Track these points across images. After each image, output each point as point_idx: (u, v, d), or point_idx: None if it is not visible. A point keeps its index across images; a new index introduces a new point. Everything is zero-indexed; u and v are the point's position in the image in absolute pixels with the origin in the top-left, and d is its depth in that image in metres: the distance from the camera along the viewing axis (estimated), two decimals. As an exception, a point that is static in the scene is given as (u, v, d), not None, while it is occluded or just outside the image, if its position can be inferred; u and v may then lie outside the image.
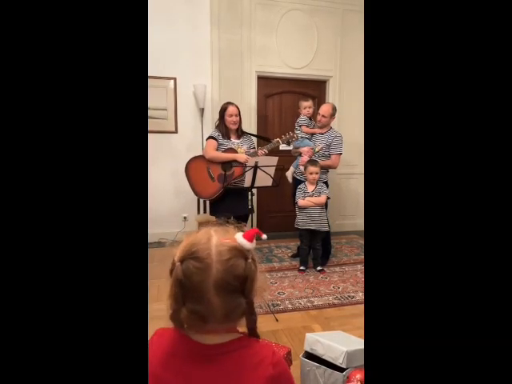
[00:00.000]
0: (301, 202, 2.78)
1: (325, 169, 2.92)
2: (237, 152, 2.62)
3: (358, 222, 4.27)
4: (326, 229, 2.83)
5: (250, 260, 0.58)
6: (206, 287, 0.55)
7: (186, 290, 0.56)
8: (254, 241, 0.60)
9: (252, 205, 2.58)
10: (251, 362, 0.58)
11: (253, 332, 0.61)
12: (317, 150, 2.88)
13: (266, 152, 2.62)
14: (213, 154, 2.61)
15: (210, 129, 3.54)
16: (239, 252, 0.58)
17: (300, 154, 2.94)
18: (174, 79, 3.44)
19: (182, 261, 0.56)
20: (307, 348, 1.42)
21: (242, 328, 0.62)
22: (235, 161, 2.57)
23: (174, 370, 0.57)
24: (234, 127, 2.66)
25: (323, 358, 1.35)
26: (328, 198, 2.82)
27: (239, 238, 0.59)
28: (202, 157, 2.65)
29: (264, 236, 0.64)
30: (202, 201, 3.40)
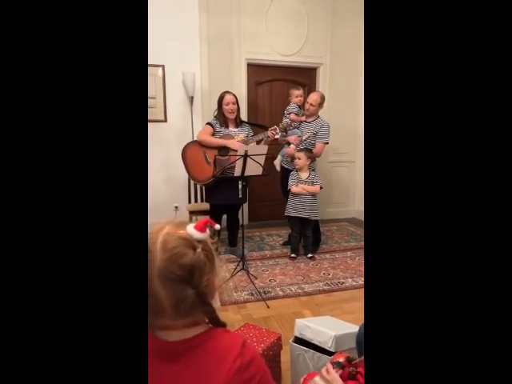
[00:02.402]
0: (294, 188, 2.79)
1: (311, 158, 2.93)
2: (234, 139, 2.61)
3: (348, 209, 4.31)
4: (317, 217, 2.86)
5: (198, 250, 0.57)
6: (150, 277, 0.54)
7: None
8: (207, 231, 0.59)
9: (244, 194, 2.59)
10: (218, 355, 0.57)
11: (215, 322, 0.60)
12: (304, 138, 2.88)
13: (278, 133, 2.61)
14: (205, 137, 2.63)
15: (199, 117, 3.51)
16: (187, 242, 0.57)
17: (287, 143, 2.94)
18: (163, 67, 3.38)
19: None
20: (297, 333, 1.45)
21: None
22: (226, 147, 2.57)
23: None
24: (231, 116, 2.66)
25: (312, 342, 1.39)
26: (321, 187, 2.84)
27: (189, 228, 0.58)
28: (198, 142, 2.66)
29: (217, 226, 0.62)
30: (192, 189, 3.39)
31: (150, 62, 3.26)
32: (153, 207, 3.46)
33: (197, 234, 0.58)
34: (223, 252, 2.94)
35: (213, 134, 2.69)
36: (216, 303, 0.62)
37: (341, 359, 0.89)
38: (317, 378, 0.82)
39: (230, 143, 2.56)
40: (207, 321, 0.60)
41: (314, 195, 2.80)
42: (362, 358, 0.87)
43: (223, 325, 0.61)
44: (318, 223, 3.08)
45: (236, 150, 2.41)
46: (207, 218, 0.61)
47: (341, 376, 0.86)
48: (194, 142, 2.70)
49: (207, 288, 0.57)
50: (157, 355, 0.57)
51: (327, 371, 0.83)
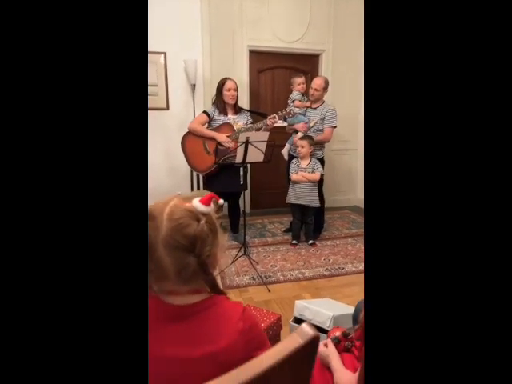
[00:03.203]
0: (294, 176, 2.81)
1: (319, 143, 2.92)
2: (233, 127, 2.62)
3: (350, 197, 4.33)
4: (317, 205, 2.88)
5: (202, 222, 0.60)
6: (155, 243, 0.58)
7: None
8: (212, 205, 0.63)
9: (244, 181, 2.61)
10: (222, 318, 0.61)
11: (215, 290, 0.64)
12: (311, 124, 2.88)
13: (277, 121, 2.61)
14: (195, 126, 2.63)
15: (201, 105, 3.51)
16: (192, 214, 0.60)
17: (295, 131, 2.94)
18: (164, 54, 3.37)
19: None
20: (296, 314, 1.49)
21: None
22: (214, 139, 2.56)
23: (150, 331, 0.60)
24: (232, 102, 2.65)
25: (311, 322, 1.43)
26: (322, 175, 2.85)
27: (195, 201, 0.62)
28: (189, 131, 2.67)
29: (221, 201, 0.66)
30: (195, 178, 3.41)
31: (151, 49, 3.25)
32: (155, 195, 3.49)
33: (201, 207, 0.61)
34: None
35: (209, 123, 2.68)
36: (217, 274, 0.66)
37: (337, 333, 0.93)
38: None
39: (218, 136, 2.55)
40: (209, 290, 0.64)
41: (314, 183, 2.82)
42: (357, 327, 0.90)
43: (224, 293, 0.65)
44: (322, 210, 3.09)
45: (221, 145, 2.41)
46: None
47: (337, 349, 0.91)
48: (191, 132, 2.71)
49: (209, 258, 0.61)
50: (162, 316, 0.62)
51: (325, 345, 0.87)
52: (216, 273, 0.65)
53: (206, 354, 0.58)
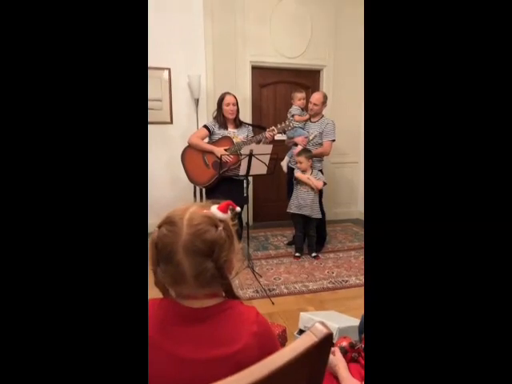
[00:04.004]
0: (299, 174, 2.80)
1: (319, 157, 2.96)
2: (232, 141, 2.65)
3: (352, 210, 4.33)
4: (318, 216, 2.88)
5: (220, 228, 0.62)
6: (175, 248, 0.60)
7: (158, 251, 0.61)
8: (229, 212, 0.65)
9: (247, 193, 2.63)
10: (237, 321, 0.63)
11: (230, 294, 0.66)
12: (311, 138, 2.92)
13: (276, 134, 2.64)
14: (194, 140, 2.66)
15: (204, 119, 3.56)
16: (210, 220, 0.63)
17: (295, 144, 2.98)
18: (169, 70, 3.44)
19: (159, 226, 0.63)
20: (301, 326, 1.48)
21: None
22: (213, 152, 2.59)
23: (166, 333, 0.62)
24: (231, 116, 2.68)
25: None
26: (325, 183, 2.87)
27: (213, 208, 0.64)
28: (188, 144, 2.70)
29: (237, 208, 0.69)
30: (198, 190, 3.43)
31: (156, 65, 3.33)
32: (158, 207, 3.52)
33: (219, 214, 0.64)
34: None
35: (209, 137, 2.72)
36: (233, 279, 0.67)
37: (344, 343, 0.92)
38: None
39: (216, 150, 2.58)
40: (224, 294, 0.66)
41: (315, 193, 2.83)
42: (363, 336, 0.90)
43: (238, 298, 0.67)
44: (323, 223, 3.10)
45: (220, 158, 2.44)
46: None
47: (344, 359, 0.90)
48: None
49: (225, 263, 0.63)
50: (180, 319, 0.63)
51: (333, 353, 0.87)
52: (231, 277, 0.66)
53: (223, 356, 0.58)
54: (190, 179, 2.71)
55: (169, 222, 0.62)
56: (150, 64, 3.25)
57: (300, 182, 2.84)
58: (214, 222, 0.62)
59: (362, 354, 0.92)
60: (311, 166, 2.85)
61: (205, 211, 0.64)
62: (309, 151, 2.83)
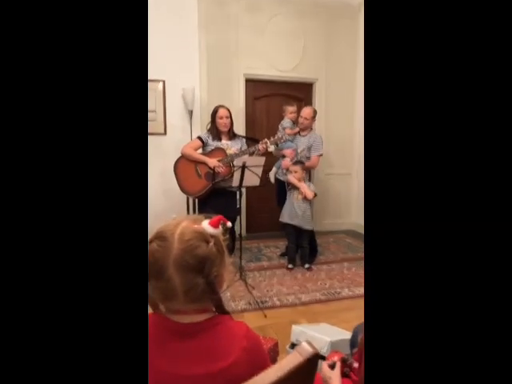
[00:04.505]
0: (291, 178, 2.81)
1: (307, 170, 3.00)
2: (225, 152, 2.67)
3: (345, 221, 4.35)
4: (310, 227, 2.90)
5: (211, 244, 0.62)
6: (166, 264, 0.60)
7: (150, 266, 0.61)
8: (220, 227, 0.65)
9: (240, 205, 2.63)
10: (227, 336, 0.63)
11: (220, 310, 0.65)
12: (299, 151, 2.98)
13: (269, 146, 2.66)
14: (187, 150, 2.69)
15: (198, 130, 3.58)
16: (201, 235, 0.62)
17: (283, 156, 3.02)
18: (163, 82, 3.47)
19: (151, 241, 0.62)
20: (293, 339, 1.47)
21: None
22: (205, 163, 2.61)
23: (156, 348, 0.61)
24: (224, 129, 2.71)
25: (308, 348, 1.41)
26: (315, 194, 2.89)
27: (204, 223, 0.64)
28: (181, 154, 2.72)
29: (228, 223, 0.68)
30: (191, 201, 3.43)
31: (150, 77, 3.35)
32: (151, 218, 3.50)
33: (210, 229, 0.64)
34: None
35: (203, 148, 2.74)
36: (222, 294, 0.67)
37: (335, 358, 0.93)
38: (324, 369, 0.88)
39: (209, 161, 2.60)
40: (214, 309, 0.66)
41: (307, 203, 2.85)
42: (355, 350, 0.90)
43: (228, 313, 0.66)
44: (313, 234, 3.11)
45: (213, 169, 2.47)
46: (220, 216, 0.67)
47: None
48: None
49: (216, 278, 0.63)
50: (170, 333, 0.63)
51: (331, 367, 0.88)
52: (222, 292, 0.66)
53: (212, 371, 0.58)
54: (182, 189, 2.72)
55: (160, 237, 0.62)
56: (144, 76, 3.27)
57: (293, 191, 2.86)
58: (205, 238, 0.62)
59: (354, 369, 0.92)
60: (303, 178, 2.87)
61: (196, 226, 0.64)
62: (302, 163, 2.86)
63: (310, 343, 0.45)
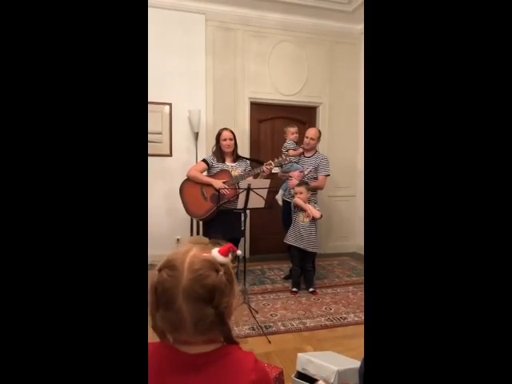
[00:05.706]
0: (297, 199, 2.80)
1: (314, 190, 3.00)
2: (230, 174, 2.69)
3: (349, 243, 4.31)
4: (315, 250, 2.87)
5: (221, 273, 0.61)
6: (175, 294, 0.59)
7: (158, 296, 0.60)
8: (230, 255, 0.64)
9: (244, 227, 2.63)
10: (235, 368, 0.61)
11: (229, 340, 0.64)
12: (306, 172, 2.99)
13: (273, 167, 2.69)
14: (193, 173, 2.73)
15: (203, 152, 3.63)
16: (211, 264, 0.61)
17: (289, 178, 3.03)
18: (170, 104, 3.55)
19: (160, 270, 0.61)
20: (299, 368, 1.43)
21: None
22: (211, 185, 2.63)
23: (162, 381, 0.60)
24: (228, 150, 2.76)
25: (315, 377, 1.37)
26: (321, 216, 2.88)
27: (214, 251, 0.63)
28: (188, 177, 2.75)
29: (239, 252, 0.67)
30: (195, 223, 3.42)
31: (158, 100, 3.44)
32: (155, 238, 3.50)
33: (220, 258, 0.62)
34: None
35: (208, 170, 2.77)
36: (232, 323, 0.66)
37: None
38: None
39: (215, 183, 2.63)
40: (222, 339, 0.64)
41: (314, 226, 2.83)
42: None
43: (237, 343, 0.65)
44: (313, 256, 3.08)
45: (218, 191, 2.50)
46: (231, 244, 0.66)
47: None
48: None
49: (226, 309, 0.61)
50: (178, 364, 0.61)
51: None
52: (231, 323, 0.65)
53: None
54: (188, 212, 2.72)
55: (169, 266, 0.61)
56: (152, 99, 3.36)
57: (298, 213, 2.85)
58: (214, 267, 0.62)
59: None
60: (309, 199, 2.87)
61: (205, 255, 0.63)
62: (307, 184, 2.87)
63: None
